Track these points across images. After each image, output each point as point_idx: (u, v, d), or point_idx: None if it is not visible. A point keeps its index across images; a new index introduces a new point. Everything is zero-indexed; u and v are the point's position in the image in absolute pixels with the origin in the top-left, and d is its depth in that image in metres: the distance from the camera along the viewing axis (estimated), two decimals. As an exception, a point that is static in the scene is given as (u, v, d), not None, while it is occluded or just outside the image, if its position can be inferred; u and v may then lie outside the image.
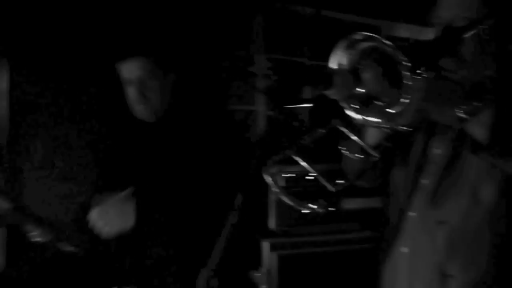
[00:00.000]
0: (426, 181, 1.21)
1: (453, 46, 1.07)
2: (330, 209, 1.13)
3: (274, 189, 1.14)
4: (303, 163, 1.14)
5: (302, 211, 1.19)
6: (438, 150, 1.21)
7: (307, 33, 3.02)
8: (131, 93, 1.66)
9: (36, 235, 1.68)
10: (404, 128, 1.10)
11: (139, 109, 1.67)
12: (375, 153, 1.15)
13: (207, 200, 1.58)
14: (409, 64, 0.88)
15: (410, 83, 0.89)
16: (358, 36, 0.90)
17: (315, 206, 1.13)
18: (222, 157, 1.63)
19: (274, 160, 1.15)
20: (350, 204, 2.49)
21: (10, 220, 1.81)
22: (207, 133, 1.68)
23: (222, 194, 1.51)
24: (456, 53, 1.11)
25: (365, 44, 0.91)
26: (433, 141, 1.23)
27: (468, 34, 1.10)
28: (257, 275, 1.92)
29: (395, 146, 1.21)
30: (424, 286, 1.18)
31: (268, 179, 1.14)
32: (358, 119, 0.99)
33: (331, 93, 1.00)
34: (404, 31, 3.20)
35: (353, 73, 0.97)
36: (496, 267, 1.10)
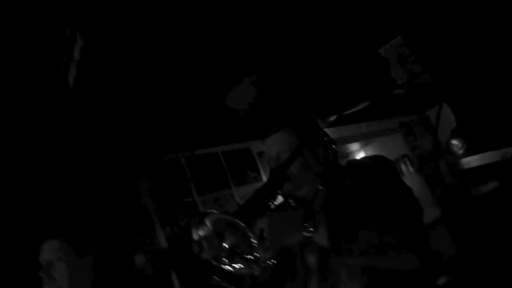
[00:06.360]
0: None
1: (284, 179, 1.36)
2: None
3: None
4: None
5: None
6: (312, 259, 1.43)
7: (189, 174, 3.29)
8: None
9: None
10: (270, 262, 1.32)
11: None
12: None
13: None
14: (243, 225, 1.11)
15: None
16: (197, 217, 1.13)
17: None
18: None
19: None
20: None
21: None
22: None
23: None
24: (289, 178, 1.40)
25: (209, 220, 1.14)
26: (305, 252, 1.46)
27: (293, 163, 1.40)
28: None
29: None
30: None
31: None
32: (229, 270, 1.19)
33: (202, 255, 1.18)
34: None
35: (217, 236, 1.17)
36: None
